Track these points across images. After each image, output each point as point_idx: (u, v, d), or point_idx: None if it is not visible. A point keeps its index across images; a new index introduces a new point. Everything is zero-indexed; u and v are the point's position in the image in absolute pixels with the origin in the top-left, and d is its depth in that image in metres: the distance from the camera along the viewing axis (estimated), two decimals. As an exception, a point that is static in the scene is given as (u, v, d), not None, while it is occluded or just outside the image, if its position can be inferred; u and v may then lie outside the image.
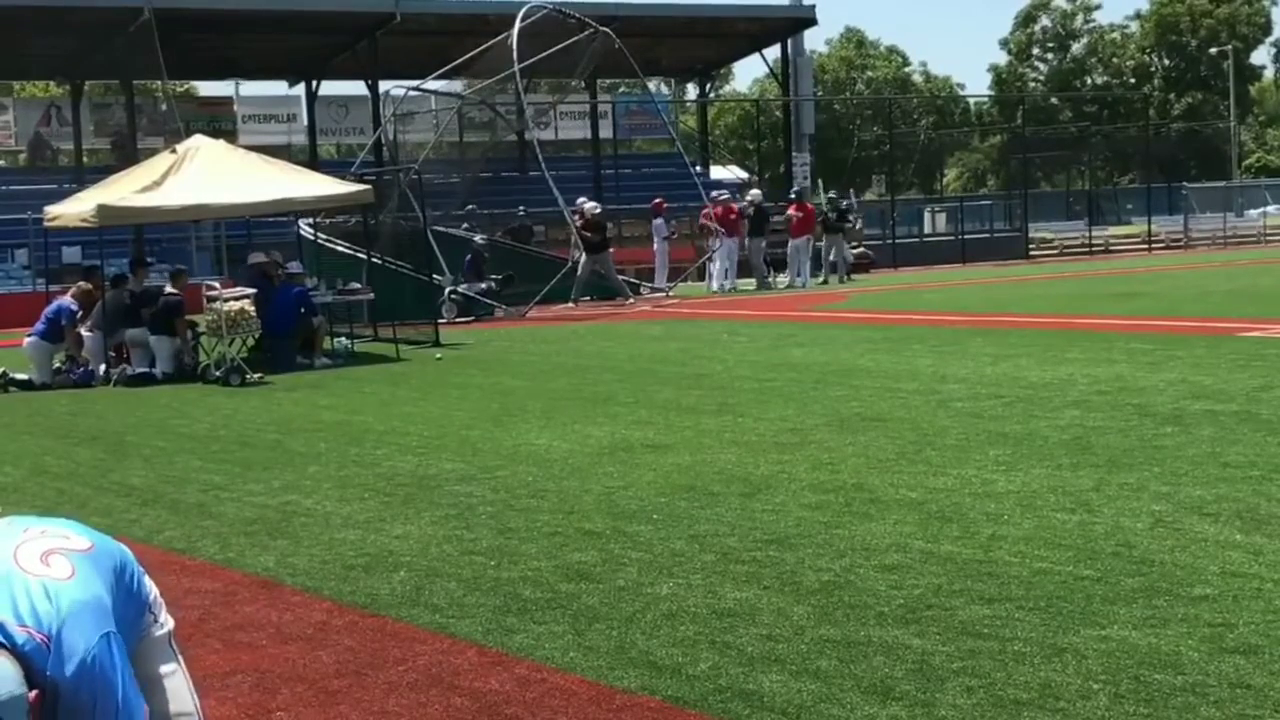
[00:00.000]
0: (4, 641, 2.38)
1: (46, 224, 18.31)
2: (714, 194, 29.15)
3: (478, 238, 25.09)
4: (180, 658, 2.90)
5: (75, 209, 17.47)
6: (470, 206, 30.19)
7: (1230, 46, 76.27)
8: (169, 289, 16.55)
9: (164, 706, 2.77)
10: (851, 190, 35.62)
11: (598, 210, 26.04)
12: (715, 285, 28.18)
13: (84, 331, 16.41)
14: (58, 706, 2.44)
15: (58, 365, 16.22)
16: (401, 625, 5.44)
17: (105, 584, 2.61)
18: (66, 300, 16.64)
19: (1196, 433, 8.65)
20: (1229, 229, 46.86)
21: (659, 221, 29.16)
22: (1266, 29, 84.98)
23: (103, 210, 16.35)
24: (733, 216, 28.06)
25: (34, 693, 2.36)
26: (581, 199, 26.72)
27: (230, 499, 8.19)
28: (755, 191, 31.80)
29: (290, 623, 5.57)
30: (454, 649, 5.10)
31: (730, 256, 28.30)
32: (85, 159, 38.60)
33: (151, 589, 2.89)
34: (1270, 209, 53.28)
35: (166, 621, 2.90)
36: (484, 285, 24.01)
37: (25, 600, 2.45)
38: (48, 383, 15.72)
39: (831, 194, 33.51)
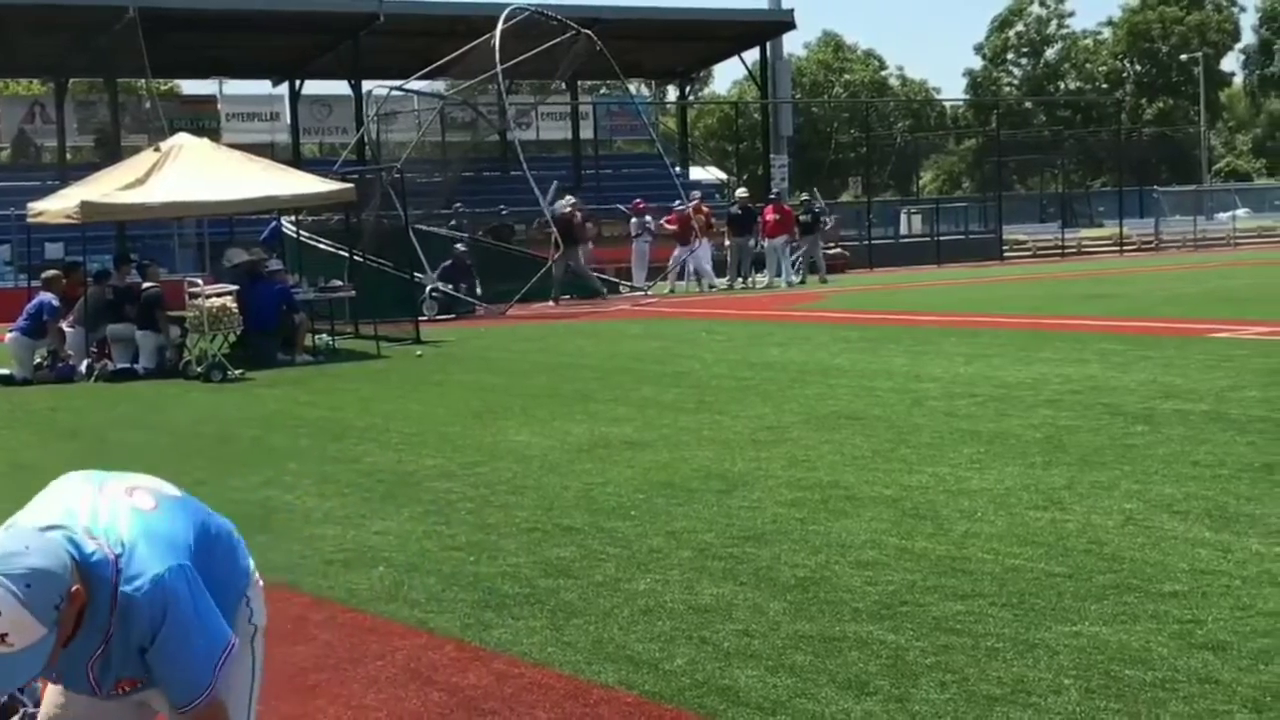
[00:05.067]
0: (72, 551, 2.46)
1: (30, 220, 18.30)
2: (675, 203, 29.31)
3: (460, 245, 25.05)
4: (257, 660, 2.92)
5: (59, 205, 17.45)
6: (457, 205, 30.20)
7: (1200, 53, 76.83)
8: (145, 283, 16.54)
9: None
10: (815, 190, 35.69)
11: (566, 209, 25.98)
12: (669, 286, 28.47)
13: (65, 327, 16.38)
14: (126, 619, 2.51)
15: (39, 361, 16.19)
16: (380, 620, 5.47)
17: (188, 529, 2.69)
18: (48, 296, 16.60)
19: (1167, 432, 8.73)
20: (1199, 232, 47.13)
21: (636, 221, 29.28)
22: (1236, 36, 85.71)
23: (86, 206, 16.32)
24: (673, 225, 28.30)
25: (77, 588, 2.44)
26: (566, 199, 26.71)
27: (210, 494, 8.09)
28: (742, 191, 31.92)
29: (269, 618, 5.56)
30: (432, 644, 5.13)
31: (681, 258, 28.57)
32: (69, 156, 38.41)
33: (251, 575, 2.92)
34: (1239, 213, 53.57)
35: (256, 616, 2.93)
36: (464, 285, 24.09)
37: (102, 519, 2.56)
38: (29, 378, 15.68)
39: (805, 196, 33.64)
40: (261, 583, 2.92)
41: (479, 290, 24.36)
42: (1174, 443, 8.34)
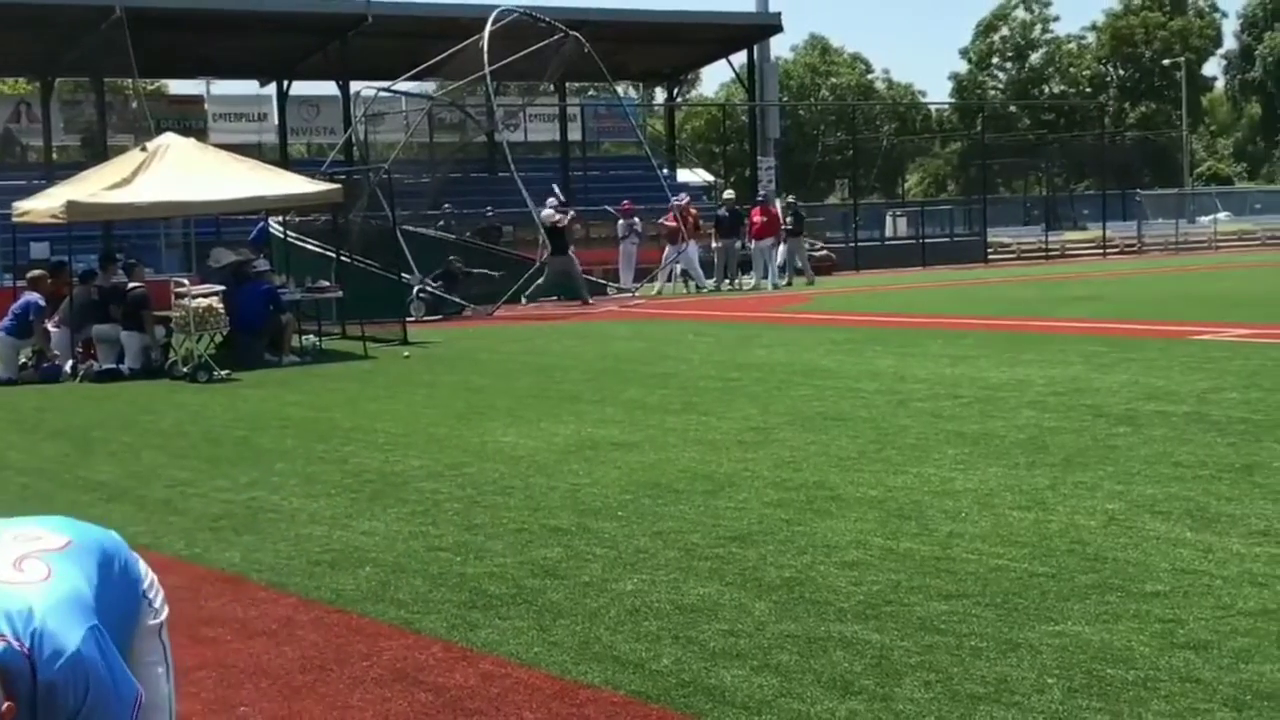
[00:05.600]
0: None
1: (15, 219, 18.25)
2: (674, 199, 29.39)
3: (454, 258, 25.08)
4: (167, 649, 2.94)
5: (45, 205, 17.41)
6: (445, 206, 30.22)
7: (1183, 58, 77.28)
8: (131, 283, 16.53)
9: None
10: (791, 196, 35.75)
11: (556, 217, 25.99)
12: (657, 287, 28.54)
13: (51, 327, 16.35)
14: (53, 703, 2.45)
15: (24, 361, 16.16)
16: (366, 621, 5.47)
17: (86, 578, 2.63)
18: (34, 295, 16.57)
19: (1149, 433, 8.78)
20: (1181, 235, 47.37)
21: (623, 223, 29.34)
22: (1218, 41, 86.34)
23: (72, 206, 16.30)
24: (673, 223, 28.40)
25: (6, 704, 2.37)
26: (550, 200, 26.79)
27: (196, 495, 8.21)
28: (729, 193, 31.99)
29: (255, 618, 5.60)
30: (419, 644, 5.14)
31: (671, 258, 28.69)
32: (55, 156, 38.25)
33: (146, 575, 2.92)
34: (1221, 216, 53.87)
35: (161, 610, 2.94)
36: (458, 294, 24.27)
37: (0, 609, 2.47)
38: (14, 378, 15.66)
39: (790, 198, 33.74)
40: (153, 575, 2.94)
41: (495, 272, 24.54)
42: (1156, 444, 8.39)
